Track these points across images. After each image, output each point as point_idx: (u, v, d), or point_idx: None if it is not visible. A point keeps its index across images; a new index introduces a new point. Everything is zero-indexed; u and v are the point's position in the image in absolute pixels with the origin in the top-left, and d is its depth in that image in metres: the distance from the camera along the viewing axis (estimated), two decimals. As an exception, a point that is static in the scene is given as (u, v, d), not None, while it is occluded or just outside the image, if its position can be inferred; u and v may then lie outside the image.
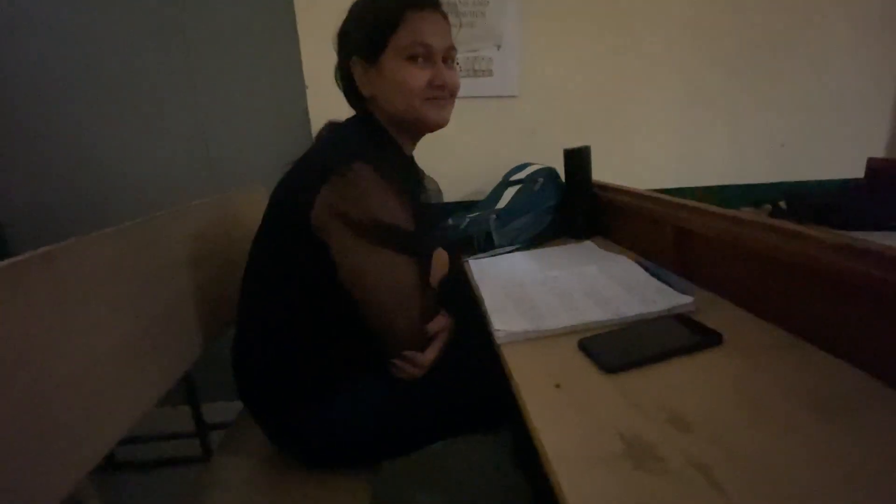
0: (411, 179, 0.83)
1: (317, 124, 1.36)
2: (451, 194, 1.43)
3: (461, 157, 1.44)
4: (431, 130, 0.79)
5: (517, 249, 1.11)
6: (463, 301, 0.86)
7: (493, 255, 1.07)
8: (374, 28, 0.72)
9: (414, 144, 0.83)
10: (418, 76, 0.72)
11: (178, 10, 1.33)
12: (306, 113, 1.36)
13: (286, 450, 0.78)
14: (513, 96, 1.42)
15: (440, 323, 0.76)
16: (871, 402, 0.46)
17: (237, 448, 0.86)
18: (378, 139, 0.77)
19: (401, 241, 0.68)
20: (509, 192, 1.20)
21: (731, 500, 0.35)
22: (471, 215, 1.17)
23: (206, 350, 0.91)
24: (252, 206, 1.16)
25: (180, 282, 0.86)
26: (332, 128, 0.79)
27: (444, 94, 0.75)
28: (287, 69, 1.37)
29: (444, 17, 0.75)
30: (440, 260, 0.96)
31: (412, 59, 0.72)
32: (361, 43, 0.74)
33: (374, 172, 0.66)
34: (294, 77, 1.35)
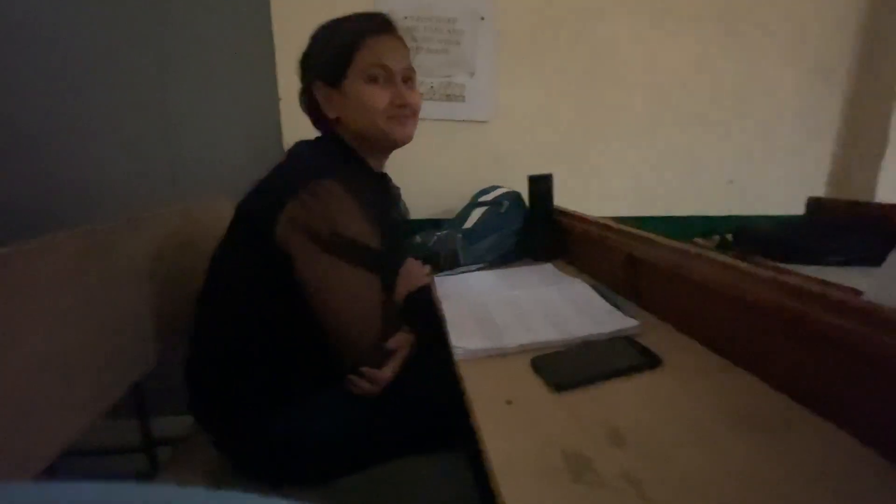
0: (380, 196, 0.85)
1: (289, 137, 1.37)
2: (421, 212, 1.46)
3: (432, 176, 1.47)
4: (397, 146, 0.81)
5: (481, 268, 1.14)
6: (429, 318, 0.87)
7: (458, 273, 1.10)
8: (336, 53, 0.75)
9: (382, 161, 0.86)
10: (380, 96, 0.75)
11: (152, 18, 1.32)
12: (279, 126, 1.37)
13: (238, 465, 0.77)
14: (483, 122, 1.48)
15: (399, 340, 0.77)
16: (791, 422, 0.50)
17: (186, 464, 0.83)
18: (346, 156, 0.79)
19: (364, 257, 0.69)
20: (477, 213, 1.24)
21: (656, 510, 0.38)
22: (438, 233, 1.20)
23: (157, 362, 0.88)
24: (215, 217, 1.14)
25: (135, 290, 0.84)
26: (302, 146, 0.81)
27: (405, 111, 0.78)
28: (261, 81, 1.37)
29: (402, 40, 0.79)
30: (409, 273, 0.98)
31: (373, 80, 0.75)
32: (324, 68, 0.77)
33: (341, 188, 0.68)
34: (268, 89, 1.36)
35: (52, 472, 1.28)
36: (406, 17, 1.33)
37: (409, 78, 0.79)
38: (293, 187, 0.67)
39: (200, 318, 0.78)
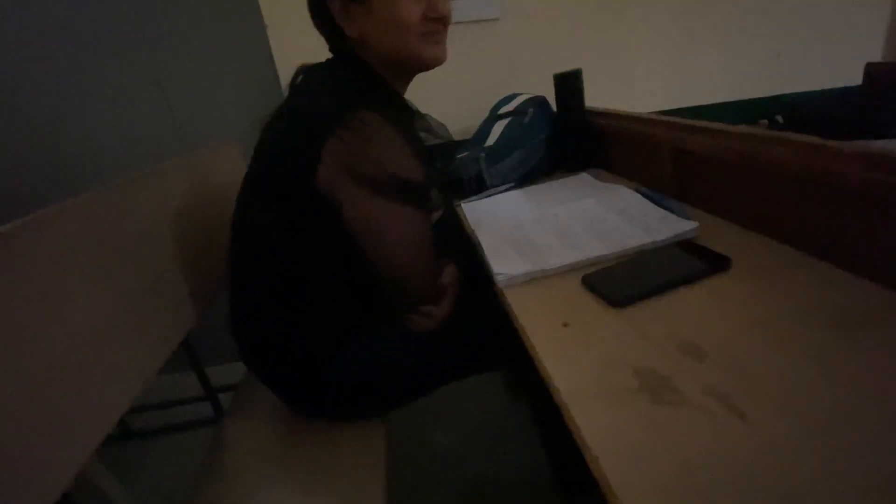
0: (413, 123, 0.77)
1: (282, 66, 1.26)
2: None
3: (443, 93, 1.35)
4: (428, 69, 0.72)
5: (511, 188, 1.07)
6: (460, 245, 0.84)
7: (486, 197, 1.03)
8: None
9: (407, 85, 0.77)
10: (412, 8, 0.65)
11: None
12: (270, 56, 1.25)
13: (296, 407, 0.79)
14: (494, 19, 1.31)
15: (452, 275, 0.74)
16: (889, 315, 0.44)
17: (246, 407, 0.86)
18: (374, 83, 0.71)
19: (413, 195, 0.65)
20: (498, 127, 1.13)
21: (752, 424, 0.35)
22: (459, 156, 1.11)
23: (201, 314, 0.89)
24: (225, 162, 1.10)
25: (161, 247, 0.83)
26: (314, 73, 0.72)
27: (439, 26, 0.69)
28: (243, 10, 1.23)
29: None
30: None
31: None
32: None
33: (382, 120, 0.61)
34: (252, 18, 1.23)
35: (125, 426, 1.39)
36: None
37: None
38: (329, 123, 0.60)
39: (234, 268, 0.75)
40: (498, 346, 0.73)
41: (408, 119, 0.73)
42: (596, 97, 1.16)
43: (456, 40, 1.30)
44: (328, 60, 0.73)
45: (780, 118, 1.33)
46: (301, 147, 0.62)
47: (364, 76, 0.70)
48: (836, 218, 0.53)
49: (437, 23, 0.68)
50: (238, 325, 0.76)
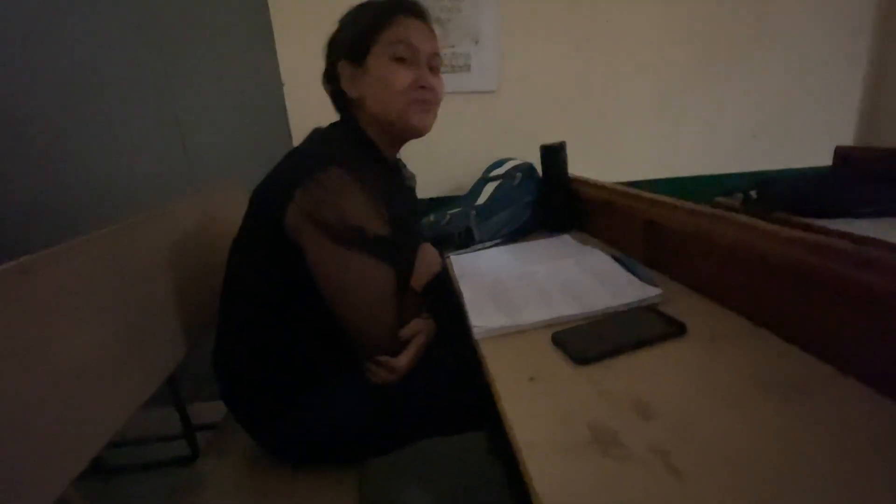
0: (392, 184, 0.83)
1: (295, 122, 1.36)
2: (432, 190, 1.44)
3: (442, 153, 1.45)
4: (414, 136, 0.79)
5: (497, 244, 1.13)
6: (448, 299, 0.87)
7: (473, 251, 1.09)
8: (363, 29, 0.74)
9: (397, 150, 0.84)
10: (403, 75, 0.73)
11: (152, 8, 1.31)
12: (284, 111, 1.36)
13: (270, 450, 0.79)
14: (491, 91, 1.43)
15: (415, 327, 0.76)
16: (824, 386, 0.49)
17: (224, 449, 0.87)
18: (358, 143, 0.78)
19: (374, 246, 0.68)
20: (489, 188, 1.22)
21: (686, 482, 0.38)
22: (451, 211, 1.19)
23: (190, 352, 0.91)
24: (231, 207, 1.15)
25: (161, 284, 0.86)
26: (316, 133, 0.80)
27: (428, 96, 0.76)
28: (263, 67, 1.35)
29: (431, 28, 0.78)
30: (428, 259, 0.96)
31: (398, 60, 0.73)
32: (349, 45, 0.75)
33: (349, 176, 0.67)
34: (270, 75, 1.34)
35: (100, 462, 1.36)
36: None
37: (434, 66, 0.78)
38: (300, 176, 0.66)
39: (223, 308, 0.79)
40: (476, 404, 0.72)
41: (384, 179, 0.78)
42: (583, 165, 1.26)
43: (457, 108, 1.43)
44: (332, 124, 0.82)
45: (753, 193, 1.42)
46: (276, 195, 0.68)
47: (351, 137, 0.78)
48: (779, 293, 0.59)
49: (425, 92, 0.76)
50: (219, 363, 0.79)
